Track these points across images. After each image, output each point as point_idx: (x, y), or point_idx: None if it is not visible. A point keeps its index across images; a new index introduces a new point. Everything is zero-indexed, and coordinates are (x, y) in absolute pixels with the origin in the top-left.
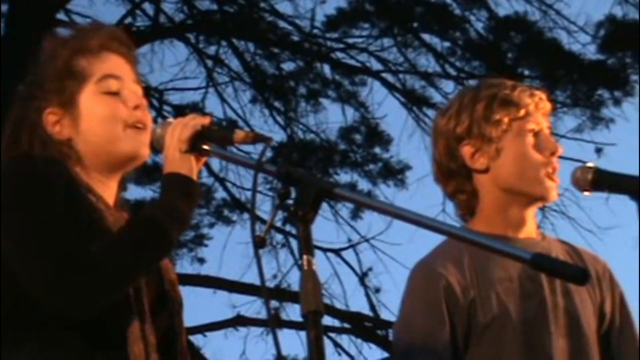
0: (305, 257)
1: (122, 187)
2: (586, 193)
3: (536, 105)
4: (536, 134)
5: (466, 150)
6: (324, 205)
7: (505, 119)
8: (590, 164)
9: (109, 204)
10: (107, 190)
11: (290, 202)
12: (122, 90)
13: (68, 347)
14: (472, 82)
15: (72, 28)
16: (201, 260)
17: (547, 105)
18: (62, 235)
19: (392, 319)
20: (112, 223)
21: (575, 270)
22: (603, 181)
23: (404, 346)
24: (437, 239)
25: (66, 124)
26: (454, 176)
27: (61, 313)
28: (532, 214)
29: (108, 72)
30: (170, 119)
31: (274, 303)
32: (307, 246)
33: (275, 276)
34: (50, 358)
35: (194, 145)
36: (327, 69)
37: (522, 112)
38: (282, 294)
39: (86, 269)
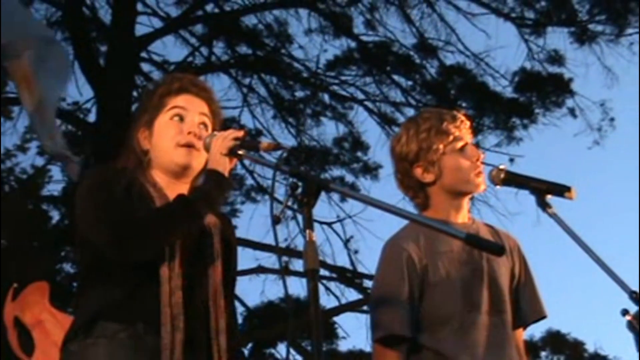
0: (308, 231)
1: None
2: (498, 187)
3: (459, 128)
4: (463, 148)
5: (417, 171)
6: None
7: (441, 146)
8: (502, 166)
9: (167, 198)
10: (175, 189)
11: (298, 192)
12: (185, 118)
13: (123, 285)
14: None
15: (166, 75)
16: (234, 227)
17: (467, 123)
18: (116, 212)
19: (366, 271)
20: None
21: (495, 246)
22: (511, 179)
23: (378, 295)
24: (399, 219)
25: (147, 139)
26: (411, 187)
27: (119, 259)
28: (466, 205)
29: (176, 104)
30: (216, 132)
31: (284, 258)
32: (310, 223)
33: (285, 239)
34: (110, 293)
35: (232, 151)
36: (326, 97)
37: (451, 138)
38: (290, 252)
39: (133, 229)
